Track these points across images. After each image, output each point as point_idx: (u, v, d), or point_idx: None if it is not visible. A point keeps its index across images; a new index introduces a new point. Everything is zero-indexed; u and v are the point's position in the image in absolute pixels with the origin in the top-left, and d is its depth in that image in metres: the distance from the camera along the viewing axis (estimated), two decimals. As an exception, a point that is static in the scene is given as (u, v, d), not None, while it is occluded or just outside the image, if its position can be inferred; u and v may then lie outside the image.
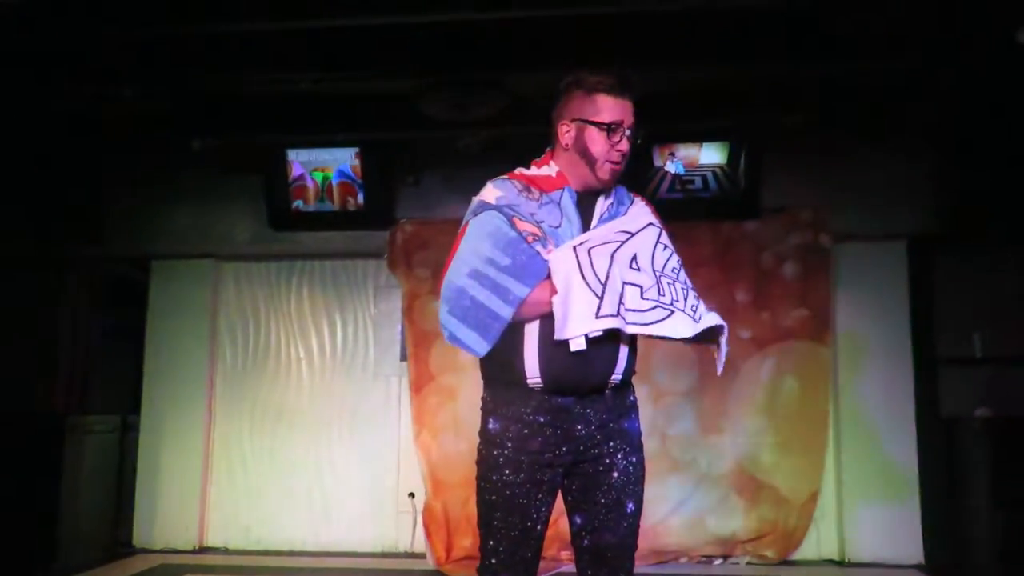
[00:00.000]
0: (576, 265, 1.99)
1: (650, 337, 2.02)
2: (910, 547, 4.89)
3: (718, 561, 4.94)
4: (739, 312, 5.09)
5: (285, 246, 5.50)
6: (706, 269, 5.09)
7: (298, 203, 5.23)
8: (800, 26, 3.93)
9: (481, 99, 4.28)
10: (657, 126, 4.81)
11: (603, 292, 1.97)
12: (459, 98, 4.27)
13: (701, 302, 2.11)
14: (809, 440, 4.99)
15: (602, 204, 2.16)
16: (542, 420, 2.05)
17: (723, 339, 2.09)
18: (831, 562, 5.00)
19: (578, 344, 1.96)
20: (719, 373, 2.14)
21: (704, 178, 4.98)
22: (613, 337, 2.02)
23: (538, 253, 2.03)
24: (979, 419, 4.69)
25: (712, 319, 2.06)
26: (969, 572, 4.61)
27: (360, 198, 5.19)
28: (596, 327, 1.95)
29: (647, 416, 4.85)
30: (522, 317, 2.02)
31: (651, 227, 2.16)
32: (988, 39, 3.74)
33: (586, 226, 2.12)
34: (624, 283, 2.00)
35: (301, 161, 5.18)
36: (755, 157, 4.91)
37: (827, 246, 5.08)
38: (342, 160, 5.15)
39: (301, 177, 5.20)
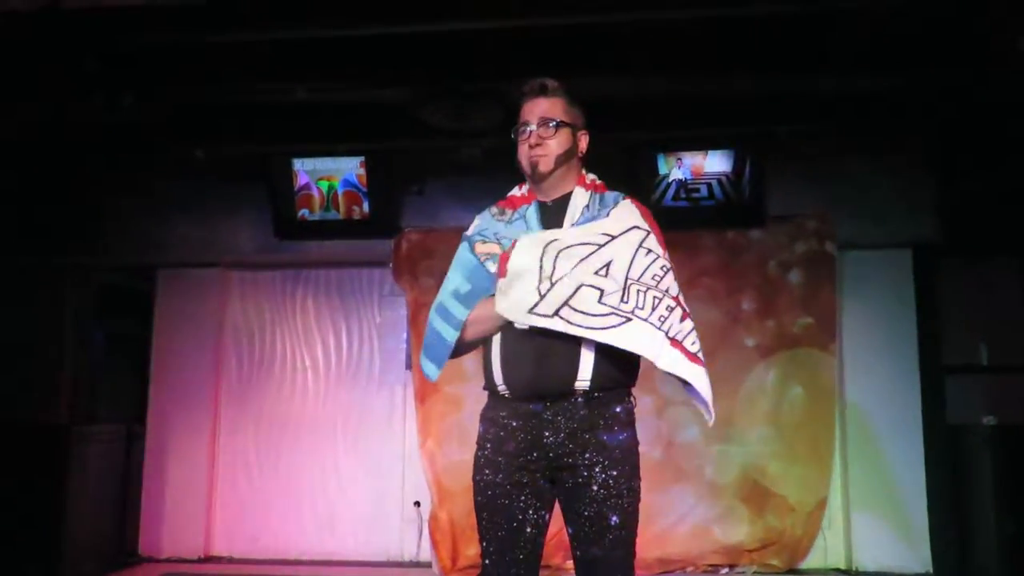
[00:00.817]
0: (538, 261, 2.06)
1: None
2: (917, 555, 4.87)
3: (724, 570, 4.92)
4: (744, 320, 5.10)
5: (290, 255, 5.51)
6: (711, 277, 5.10)
7: (303, 212, 5.25)
8: (805, 36, 3.93)
9: (480, 109, 4.29)
10: (662, 133, 4.85)
11: (547, 292, 2.02)
12: (458, 108, 4.28)
13: (677, 319, 2.06)
14: (815, 448, 4.97)
15: (575, 209, 2.19)
16: (515, 424, 2.11)
17: (700, 387, 2.07)
18: (838, 571, 4.97)
19: (521, 324, 2.05)
20: (709, 423, 2.14)
21: (709, 186, 4.98)
22: (572, 342, 2.04)
23: (492, 274, 2.13)
24: (986, 427, 4.67)
25: (684, 366, 2.04)
26: (976, 581, 4.60)
27: (365, 207, 5.20)
28: (526, 321, 2.04)
29: (651, 426, 4.86)
30: (472, 336, 2.16)
31: (635, 230, 2.15)
32: (992, 47, 3.74)
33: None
34: (582, 285, 2.03)
35: (307, 170, 5.20)
36: (760, 165, 4.91)
37: (832, 254, 5.07)
38: (347, 169, 5.17)
39: (307, 186, 5.22)
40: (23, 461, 4.83)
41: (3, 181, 5.27)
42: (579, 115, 2.25)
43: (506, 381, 2.11)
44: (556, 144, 2.18)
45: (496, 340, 2.14)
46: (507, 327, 2.11)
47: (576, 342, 2.04)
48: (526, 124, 2.19)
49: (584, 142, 2.26)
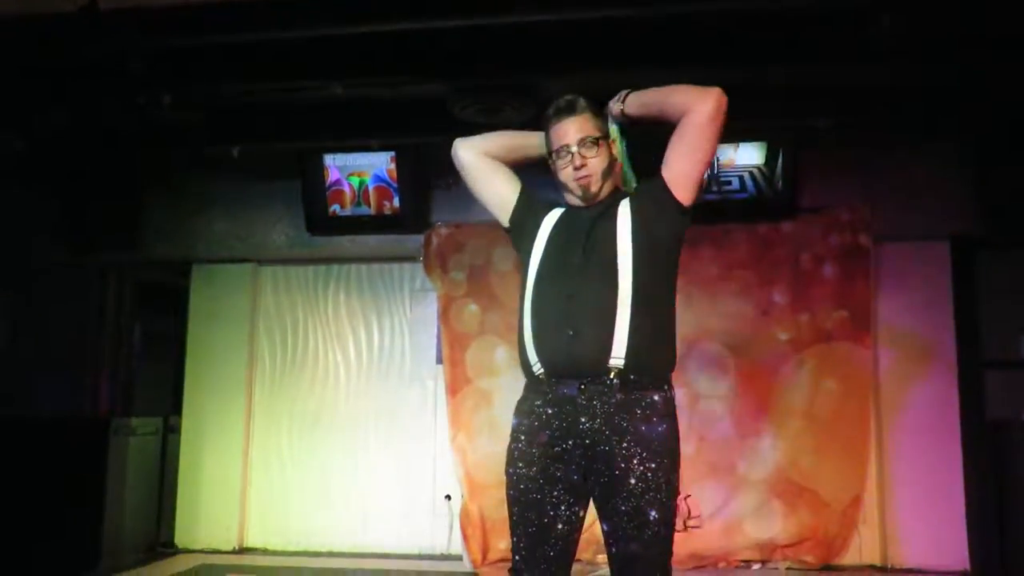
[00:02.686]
0: None
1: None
2: (955, 553, 4.78)
3: (757, 566, 4.89)
4: (777, 314, 5.04)
5: (322, 250, 5.56)
6: (743, 271, 5.05)
7: (335, 207, 5.28)
8: (840, 27, 3.87)
9: (511, 103, 4.28)
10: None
11: None
12: (489, 103, 4.28)
13: None
14: (850, 444, 4.90)
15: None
16: (550, 412, 2.09)
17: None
18: (873, 567, 4.91)
19: None
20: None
21: (741, 178, 4.94)
22: (606, 317, 2.05)
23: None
24: (1026, 423, 4.60)
25: None
26: (1016, 579, 4.52)
27: (396, 202, 5.23)
28: None
29: (683, 420, 4.71)
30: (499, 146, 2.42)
31: None
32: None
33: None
34: None
35: (338, 166, 5.24)
36: (792, 157, 4.85)
37: (867, 246, 5.00)
38: (378, 165, 5.20)
39: (338, 182, 5.26)
40: (63, 454, 4.93)
41: (44, 180, 5.37)
42: (604, 122, 2.25)
43: (540, 356, 2.09)
44: (599, 161, 2.19)
45: (527, 316, 2.14)
46: (538, 300, 2.12)
47: (610, 317, 2.04)
48: (565, 147, 2.18)
49: (615, 147, 2.27)
